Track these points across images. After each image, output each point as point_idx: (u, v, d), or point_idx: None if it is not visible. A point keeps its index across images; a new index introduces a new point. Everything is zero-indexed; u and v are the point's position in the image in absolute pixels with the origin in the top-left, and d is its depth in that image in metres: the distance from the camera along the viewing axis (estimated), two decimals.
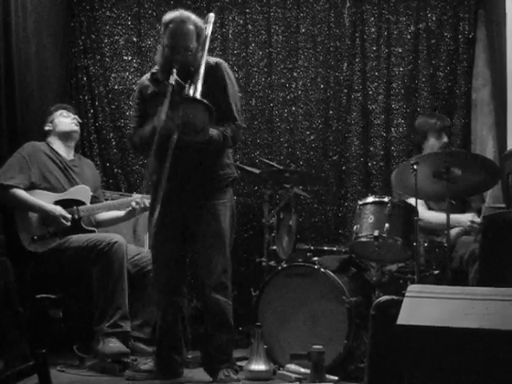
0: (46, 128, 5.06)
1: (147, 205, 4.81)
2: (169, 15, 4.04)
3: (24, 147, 4.88)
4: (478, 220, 4.81)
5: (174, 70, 3.85)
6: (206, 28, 4.09)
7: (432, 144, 5.20)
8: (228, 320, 4.11)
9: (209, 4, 6.22)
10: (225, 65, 4.17)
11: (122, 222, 5.16)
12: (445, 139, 5.21)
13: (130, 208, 4.89)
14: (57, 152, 4.99)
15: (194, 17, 4.04)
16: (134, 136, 4.18)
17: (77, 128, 5.11)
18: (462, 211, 5.02)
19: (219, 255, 4.06)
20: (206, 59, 3.97)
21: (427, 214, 4.88)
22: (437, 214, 4.87)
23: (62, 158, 4.98)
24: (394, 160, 5.93)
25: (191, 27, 3.98)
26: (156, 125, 3.87)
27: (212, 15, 4.23)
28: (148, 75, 4.19)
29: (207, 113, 3.71)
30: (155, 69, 4.15)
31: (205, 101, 3.72)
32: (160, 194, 3.82)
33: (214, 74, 4.02)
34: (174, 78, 3.81)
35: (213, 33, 6.06)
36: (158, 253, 4.21)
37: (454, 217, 4.66)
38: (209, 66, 4.00)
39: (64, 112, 5.09)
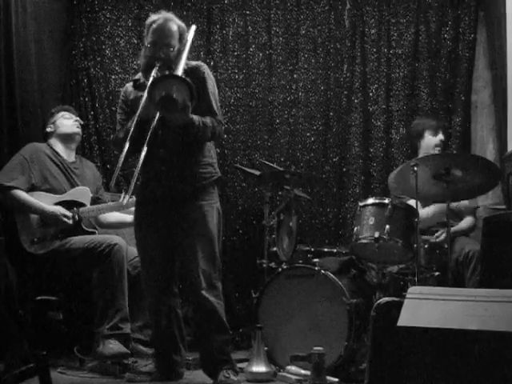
0: (48, 130, 5.07)
1: None
2: (152, 16, 4.15)
3: (25, 148, 4.88)
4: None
5: (157, 64, 3.91)
6: (187, 35, 4.14)
7: (428, 141, 5.27)
8: (221, 320, 4.10)
9: (209, 6, 6.23)
10: (205, 66, 4.22)
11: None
12: (441, 136, 5.23)
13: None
14: (58, 154, 4.99)
15: (177, 19, 4.13)
16: (119, 132, 4.16)
17: (78, 130, 5.11)
18: (456, 215, 5.04)
19: (207, 256, 4.06)
20: (186, 62, 4.02)
21: (423, 211, 4.89)
22: (429, 208, 4.91)
23: (64, 160, 4.99)
24: (394, 162, 5.93)
25: (174, 26, 4.07)
26: (138, 113, 3.91)
27: (194, 27, 4.25)
28: (131, 83, 4.27)
29: (188, 90, 3.73)
30: (138, 76, 4.22)
31: (186, 78, 3.79)
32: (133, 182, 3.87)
33: (195, 74, 4.05)
34: (155, 71, 3.89)
35: (213, 33, 6.12)
36: (144, 255, 4.24)
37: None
38: (190, 68, 4.06)
39: (66, 114, 5.09)
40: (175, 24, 4.08)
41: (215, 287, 4.09)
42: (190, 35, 4.14)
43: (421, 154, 5.23)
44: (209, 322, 4.08)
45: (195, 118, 3.89)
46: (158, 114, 3.87)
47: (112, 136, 6.00)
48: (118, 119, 4.27)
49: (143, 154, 3.86)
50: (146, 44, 4.09)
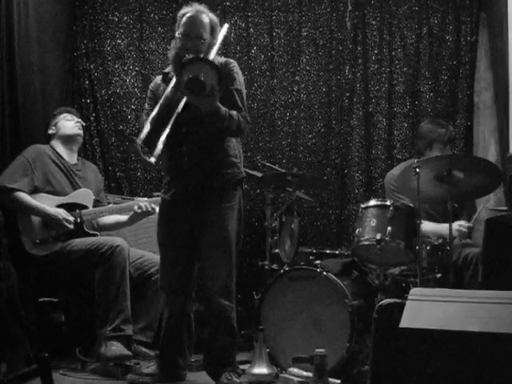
0: (50, 131, 5.07)
1: (150, 210, 4.82)
2: (184, 8, 4.15)
3: (28, 150, 4.88)
4: (466, 225, 4.81)
5: (187, 56, 3.82)
6: (219, 30, 4.13)
7: (435, 155, 5.08)
8: (232, 324, 4.11)
9: (210, 8, 6.20)
10: (235, 63, 4.21)
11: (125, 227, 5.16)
12: (448, 152, 5.14)
13: (133, 213, 4.89)
14: (60, 156, 4.99)
15: (209, 12, 4.13)
16: (143, 117, 4.13)
17: (80, 132, 5.11)
18: (455, 216, 5.03)
19: (225, 259, 4.06)
20: (216, 57, 4.01)
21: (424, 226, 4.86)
22: (432, 225, 4.89)
23: (66, 162, 4.99)
24: (396, 163, 5.92)
25: (206, 18, 4.07)
26: (165, 94, 3.91)
27: (227, 25, 4.24)
28: (160, 76, 4.23)
29: (217, 76, 3.70)
30: (167, 69, 4.20)
31: (215, 62, 3.78)
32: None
33: (223, 70, 4.00)
34: (185, 78, 3.77)
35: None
36: (165, 256, 4.22)
37: (443, 226, 4.70)
38: (219, 63, 4.01)
39: (68, 115, 5.09)
40: (207, 16, 4.08)
41: (229, 291, 4.10)
42: (223, 31, 4.13)
43: None
44: (220, 325, 4.09)
45: (222, 108, 3.86)
46: (184, 99, 3.86)
47: (114, 139, 6.06)
48: (144, 110, 4.23)
49: (165, 134, 3.83)
50: (176, 36, 4.07)
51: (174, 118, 3.86)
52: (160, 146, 3.77)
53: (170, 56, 4.15)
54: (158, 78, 4.26)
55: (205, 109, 3.82)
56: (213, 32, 4.06)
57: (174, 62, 4.04)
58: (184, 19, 4.06)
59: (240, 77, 4.17)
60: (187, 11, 4.09)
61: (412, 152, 5.75)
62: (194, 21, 4.03)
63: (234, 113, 3.96)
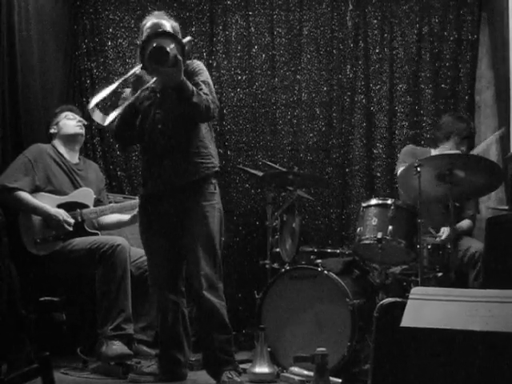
0: (51, 131, 5.07)
1: None
2: (146, 17, 4.26)
3: (29, 149, 4.89)
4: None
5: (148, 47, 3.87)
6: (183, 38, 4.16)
7: (450, 148, 5.10)
8: (223, 320, 4.10)
9: (211, 7, 6.24)
10: (198, 62, 4.27)
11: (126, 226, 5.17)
12: (464, 148, 5.14)
13: (135, 213, 4.89)
14: (62, 155, 4.99)
15: (169, 18, 4.24)
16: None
17: (81, 131, 5.10)
18: (457, 215, 5.03)
19: (208, 256, 4.08)
20: None
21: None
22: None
23: (67, 161, 4.99)
24: (396, 163, 5.91)
25: (168, 24, 4.16)
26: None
27: (189, 38, 4.24)
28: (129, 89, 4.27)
29: (179, 47, 3.78)
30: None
31: (176, 35, 3.90)
32: None
33: (189, 68, 4.07)
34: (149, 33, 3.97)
35: (216, 34, 6.13)
36: (150, 255, 4.26)
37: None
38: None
39: (69, 114, 5.09)
40: (168, 22, 4.17)
41: (216, 288, 4.10)
42: (185, 40, 4.11)
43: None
44: (210, 322, 4.09)
45: (188, 82, 3.89)
46: (152, 79, 3.96)
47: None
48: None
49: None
50: (139, 42, 4.08)
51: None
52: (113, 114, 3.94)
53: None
54: (127, 90, 4.30)
55: (170, 81, 3.85)
56: None
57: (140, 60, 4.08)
58: (146, 26, 4.16)
59: (205, 72, 4.19)
60: (148, 19, 4.19)
61: (427, 142, 5.72)
62: (156, 24, 4.12)
63: (202, 92, 3.97)
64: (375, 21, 6.15)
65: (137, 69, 3.99)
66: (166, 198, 4.12)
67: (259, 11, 6.23)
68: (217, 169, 4.23)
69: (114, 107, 4.17)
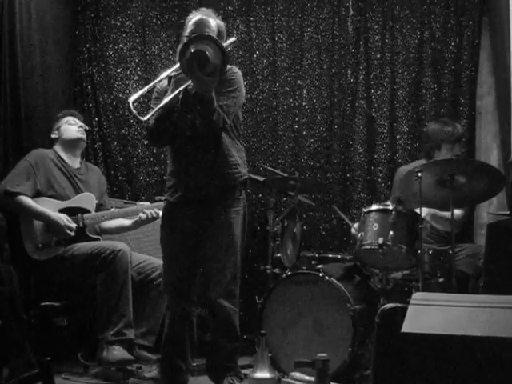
0: (53, 136, 5.07)
1: (154, 215, 4.83)
2: (192, 12, 4.19)
3: (31, 154, 4.89)
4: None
5: (191, 47, 3.75)
6: (226, 38, 4.14)
7: (444, 155, 5.07)
8: (235, 328, 4.10)
9: (213, 12, 6.22)
10: (239, 72, 4.18)
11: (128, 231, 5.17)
12: (458, 151, 5.14)
13: (137, 218, 4.89)
14: (63, 160, 5.00)
15: (217, 18, 4.16)
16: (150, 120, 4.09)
17: (83, 136, 5.11)
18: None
19: (230, 263, 4.06)
20: None
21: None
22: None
23: (68, 166, 4.99)
24: (398, 167, 5.91)
25: (213, 22, 4.09)
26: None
27: (234, 39, 4.23)
28: (165, 80, 4.20)
29: (221, 56, 3.66)
30: (173, 74, 4.17)
31: (219, 41, 3.73)
32: None
33: (226, 76, 4.00)
34: (191, 49, 3.73)
35: None
36: (168, 261, 4.19)
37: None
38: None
39: (71, 119, 5.09)
40: (214, 21, 4.10)
41: (233, 295, 4.09)
42: (230, 41, 4.12)
43: None
44: (222, 329, 4.08)
45: (214, 100, 3.84)
46: (187, 82, 3.86)
47: (116, 143, 6.07)
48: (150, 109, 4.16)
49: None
50: (182, 37, 4.08)
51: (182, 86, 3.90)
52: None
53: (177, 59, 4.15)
54: (164, 82, 4.23)
55: (202, 90, 3.78)
56: (219, 37, 4.03)
57: (179, 56, 4.02)
58: (192, 21, 4.08)
59: (238, 82, 4.13)
60: (195, 15, 4.12)
61: (418, 156, 5.71)
62: (202, 22, 4.04)
63: (223, 105, 3.94)
64: (376, 26, 6.15)
65: (178, 66, 3.87)
66: (192, 206, 4.09)
67: (260, 17, 6.23)
68: (245, 177, 4.19)
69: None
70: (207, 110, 3.84)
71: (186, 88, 3.94)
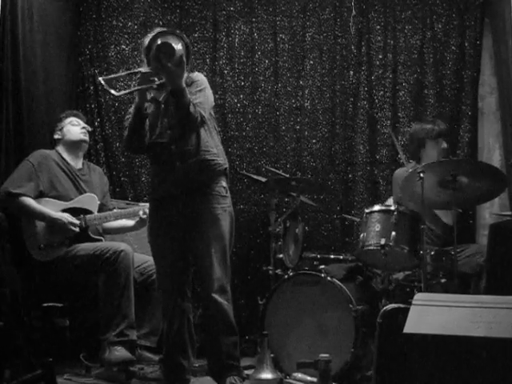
0: (55, 136, 5.07)
1: None
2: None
3: (33, 155, 4.89)
4: None
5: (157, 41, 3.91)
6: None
7: (430, 152, 5.14)
8: (231, 322, 4.10)
9: (214, 13, 6.23)
10: (202, 75, 4.28)
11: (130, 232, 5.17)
12: (443, 145, 5.17)
13: (139, 219, 4.89)
14: (65, 161, 4.99)
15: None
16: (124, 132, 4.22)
17: (86, 138, 5.11)
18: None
19: (219, 259, 4.07)
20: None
21: None
22: None
23: (71, 167, 4.99)
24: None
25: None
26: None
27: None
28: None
29: (185, 48, 3.87)
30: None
31: (184, 36, 3.92)
32: None
33: (192, 79, 4.12)
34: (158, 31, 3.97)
35: (219, 41, 6.15)
36: (159, 259, 4.22)
37: None
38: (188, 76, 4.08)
39: (74, 120, 5.09)
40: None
41: (225, 291, 4.10)
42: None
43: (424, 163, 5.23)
44: (218, 324, 4.08)
45: (186, 91, 3.92)
46: (155, 81, 3.94)
47: (119, 144, 6.08)
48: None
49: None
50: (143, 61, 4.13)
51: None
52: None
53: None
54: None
55: (172, 81, 3.85)
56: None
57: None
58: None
59: (204, 81, 4.20)
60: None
61: (408, 157, 5.72)
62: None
63: (197, 102, 4.01)
64: (378, 27, 6.15)
65: (143, 68, 3.99)
66: (177, 202, 4.10)
67: (262, 17, 6.23)
68: (225, 167, 4.22)
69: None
70: (182, 101, 3.90)
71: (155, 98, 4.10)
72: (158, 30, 4.03)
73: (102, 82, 3.93)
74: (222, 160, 4.20)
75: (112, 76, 4.24)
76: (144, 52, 3.97)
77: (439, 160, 5.01)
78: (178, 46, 3.83)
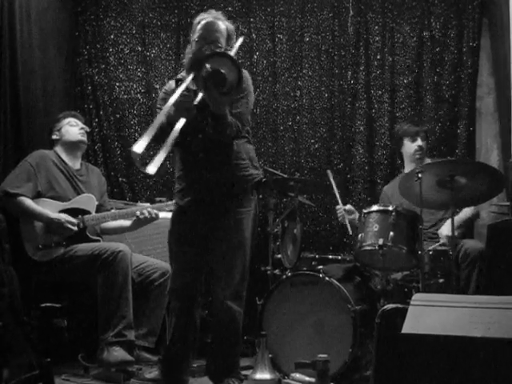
0: (54, 137, 5.07)
1: (153, 216, 4.82)
2: (201, 14, 4.14)
3: (32, 155, 4.89)
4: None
5: (207, 65, 3.65)
6: (235, 40, 4.12)
7: (407, 149, 5.35)
8: (238, 330, 4.11)
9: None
10: (247, 73, 4.11)
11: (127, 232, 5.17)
12: (419, 142, 5.27)
13: (136, 219, 4.89)
14: (64, 161, 4.99)
15: (226, 21, 4.12)
16: None
17: (84, 138, 5.10)
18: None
19: (240, 265, 4.06)
20: None
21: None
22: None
23: (69, 168, 4.99)
24: (398, 169, 5.91)
25: (223, 25, 4.06)
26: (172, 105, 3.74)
27: (243, 38, 4.21)
28: (173, 81, 4.19)
29: (237, 74, 3.58)
30: (180, 75, 4.16)
31: (239, 63, 3.66)
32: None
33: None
34: (208, 67, 3.64)
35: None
36: (177, 263, 4.19)
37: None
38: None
39: (72, 121, 5.09)
40: (224, 23, 4.07)
41: (240, 297, 4.09)
42: (238, 42, 4.11)
43: (405, 161, 5.40)
44: (227, 331, 4.08)
45: (229, 114, 3.83)
46: (200, 95, 3.69)
47: (117, 144, 6.08)
48: (156, 110, 4.14)
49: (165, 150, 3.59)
50: (192, 40, 4.06)
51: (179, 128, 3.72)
52: (160, 159, 3.54)
53: (185, 60, 4.12)
54: (172, 83, 4.21)
55: (217, 108, 3.73)
56: (229, 39, 4.05)
57: (188, 69, 4.01)
58: (201, 24, 4.04)
59: (251, 90, 4.12)
60: (204, 17, 4.08)
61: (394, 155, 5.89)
62: (212, 26, 4.02)
63: (234, 120, 3.91)
64: (376, 27, 6.15)
65: (189, 82, 3.80)
66: (202, 209, 4.08)
67: (260, 18, 6.24)
68: (257, 179, 4.17)
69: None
70: (221, 125, 3.83)
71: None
72: (209, 52, 3.85)
73: (137, 160, 3.53)
74: (253, 171, 4.14)
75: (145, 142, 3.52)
76: (192, 64, 3.83)
77: (415, 159, 5.11)
78: (230, 75, 3.57)
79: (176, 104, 3.73)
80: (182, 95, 3.74)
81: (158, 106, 4.14)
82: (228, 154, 4.05)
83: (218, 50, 3.87)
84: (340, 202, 5.25)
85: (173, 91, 3.98)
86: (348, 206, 5.25)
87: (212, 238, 4.09)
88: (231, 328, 4.07)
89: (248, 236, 4.10)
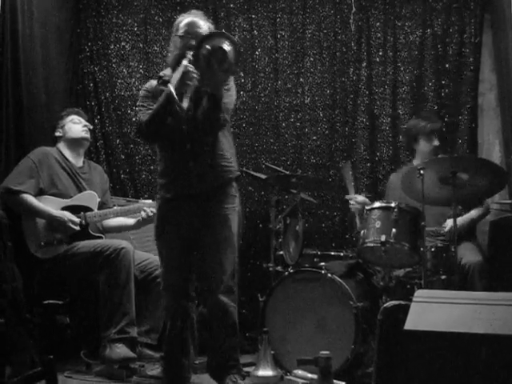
0: (56, 134, 5.07)
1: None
2: (183, 15, 4.21)
3: (34, 152, 4.89)
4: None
5: (188, 55, 3.80)
6: None
7: (422, 148, 5.30)
8: (234, 323, 4.10)
9: (215, 10, 6.24)
10: None
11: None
12: (435, 142, 5.25)
13: (140, 218, 4.88)
14: (66, 158, 5.00)
15: (207, 21, 4.16)
16: (142, 115, 4.05)
17: (87, 135, 5.11)
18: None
19: (229, 260, 4.06)
20: None
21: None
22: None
23: (72, 165, 4.99)
24: (400, 165, 5.91)
25: (205, 25, 4.10)
26: (170, 84, 3.81)
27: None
28: (155, 80, 4.22)
29: (236, 52, 3.66)
30: (162, 73, 4.18)
31: (234, 38, 3.73)
32: None
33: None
34: (186, 62, 3.78)
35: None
36: (165, 258, 4.19)
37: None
38: None
39: (75, 118, 5.09)
40: (205, 23, 4.12)
41: (232, 292, 4.09)
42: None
43: (418, 158, 5.31)
44: (222, 325, 4.07)
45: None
46: (196, 76, 3.78)
47: (119, 141, 6.07)
48: (139, 109, 4.13)
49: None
50: (175, 37, 4.09)
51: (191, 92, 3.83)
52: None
53: (169, 57, 4.18)
54: (153, 82, 4.23)
55: (215, 88, 3.80)
56: None
57: (172, 66, 4.04)
58: (184, 22, 4.10)
59: (233, 84, 4.15)
60: (186, 17, 4.16)
61: (403, 148, 5.89)
62: (195, 23, 4.08)
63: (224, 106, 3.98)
64: (378, 23, 6.15)
65: (186, 63, 3.83)
66: (188, 202, 4.09)
67: (262, 14, 6.23)
68: (238, 173, 4.23)
69: None
70: (216, 107, 3.87)
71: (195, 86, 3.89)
72: (214, 30, 3.96)
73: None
74: (234, 166, 4.18)
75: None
76: (194, 50, 3.80)
77: (430, 157, 5.06)
78: (230, 52, 3.66)
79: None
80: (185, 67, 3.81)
81: (141, 103, 4.15)
82: (213, 144, 4.08)
83: (214, 31, 3.94)
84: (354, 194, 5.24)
85: (155, 89, 4.09)
86: (361, 197, 5.20)
87: (200, 235, 4.10)
88: (226, 321, 4.06)
89: (235, 232, 4.12)
